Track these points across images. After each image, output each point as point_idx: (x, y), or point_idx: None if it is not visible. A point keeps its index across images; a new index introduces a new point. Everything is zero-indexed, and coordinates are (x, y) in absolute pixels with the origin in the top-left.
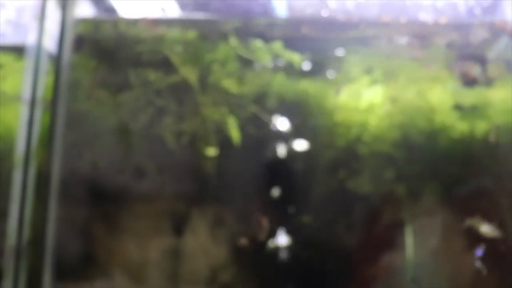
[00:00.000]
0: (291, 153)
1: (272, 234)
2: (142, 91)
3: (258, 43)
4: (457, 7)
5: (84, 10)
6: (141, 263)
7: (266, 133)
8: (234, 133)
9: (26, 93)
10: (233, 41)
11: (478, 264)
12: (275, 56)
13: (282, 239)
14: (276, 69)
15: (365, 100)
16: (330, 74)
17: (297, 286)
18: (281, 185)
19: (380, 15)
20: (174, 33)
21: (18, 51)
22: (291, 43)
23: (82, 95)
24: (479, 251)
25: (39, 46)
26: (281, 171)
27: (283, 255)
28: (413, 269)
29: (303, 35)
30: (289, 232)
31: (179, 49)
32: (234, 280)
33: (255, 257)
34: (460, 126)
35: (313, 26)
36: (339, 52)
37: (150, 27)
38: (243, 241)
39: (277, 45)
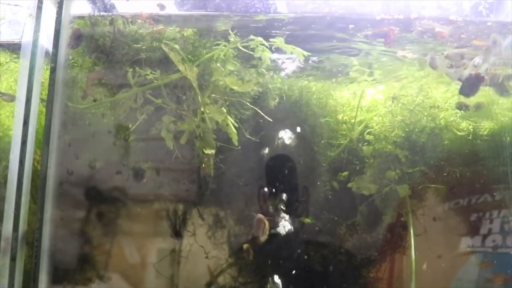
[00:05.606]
0: (292, 152)
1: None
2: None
3: (259, 40)
4: (462, 5)
5: (81, 7)
6: (139, 265)
7: (267, 133)
8: (233, 133)
9: (22, 91)
10: (233, 37)
11: None
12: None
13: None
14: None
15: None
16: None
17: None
18: (282, 185)
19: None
20: (172, 30)
21: (13, 48)
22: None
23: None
24: None
25: (35, 44)
26: (281, 170)
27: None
28: None
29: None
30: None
31: (178, 46)
32: (234, 281)
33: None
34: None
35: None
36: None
37: (148, 24)
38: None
39: (279, 40)
